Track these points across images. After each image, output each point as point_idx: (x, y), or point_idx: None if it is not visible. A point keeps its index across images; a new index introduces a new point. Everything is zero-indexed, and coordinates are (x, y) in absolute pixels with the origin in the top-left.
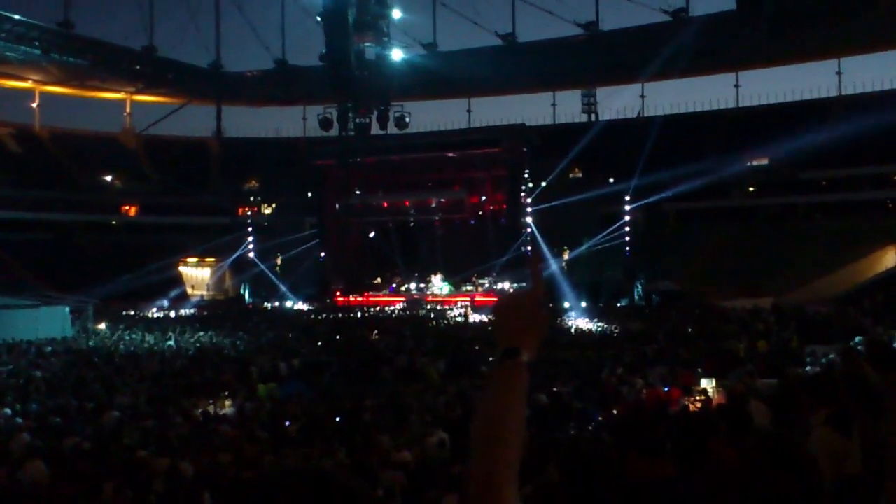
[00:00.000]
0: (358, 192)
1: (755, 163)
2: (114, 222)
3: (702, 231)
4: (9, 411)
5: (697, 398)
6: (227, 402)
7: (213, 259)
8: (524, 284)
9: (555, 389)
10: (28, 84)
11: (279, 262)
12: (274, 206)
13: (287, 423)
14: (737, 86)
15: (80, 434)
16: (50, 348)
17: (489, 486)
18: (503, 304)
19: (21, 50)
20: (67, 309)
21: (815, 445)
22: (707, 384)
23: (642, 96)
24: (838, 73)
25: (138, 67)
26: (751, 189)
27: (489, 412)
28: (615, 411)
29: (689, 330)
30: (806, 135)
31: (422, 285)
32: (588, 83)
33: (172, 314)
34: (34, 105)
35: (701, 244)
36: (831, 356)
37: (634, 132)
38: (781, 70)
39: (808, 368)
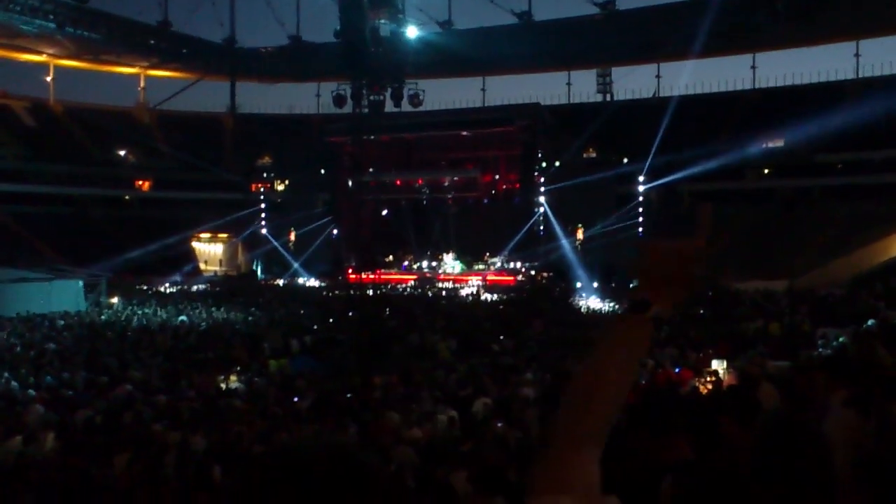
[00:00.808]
0: (371, 170)
1: (770, 145)
2: (127, 197)
3: (716, 213)
4: (16, 385)
5: (708, 379)
6: (233, 378)
7: (225, 235)
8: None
9: (564, 369)
10: (42, 58)
11: (293, 237)
12: (287, 182)
13: (296, 399)
14: (753, 67)
15: (93, 407)
16: (62, 322)
17: (572, 438)
18: (653, 249)
19: (36, 23)
20: (81, 283)
21: (834, 427)
22: (718, 365)
23: (658, 76)
24: (856, 55)
25: (153, 42)
26: (766, 171)
27: (595, 361)
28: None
29: (701, 311)
30: (822, 117)
31: (434, 263)
32: (604, 63)
33: (185, 289)
34: (48, 79)
35: (715, 226)
36: (843, 339)
37: (649, 112)
38: (799, 52)
39: (819, 351)
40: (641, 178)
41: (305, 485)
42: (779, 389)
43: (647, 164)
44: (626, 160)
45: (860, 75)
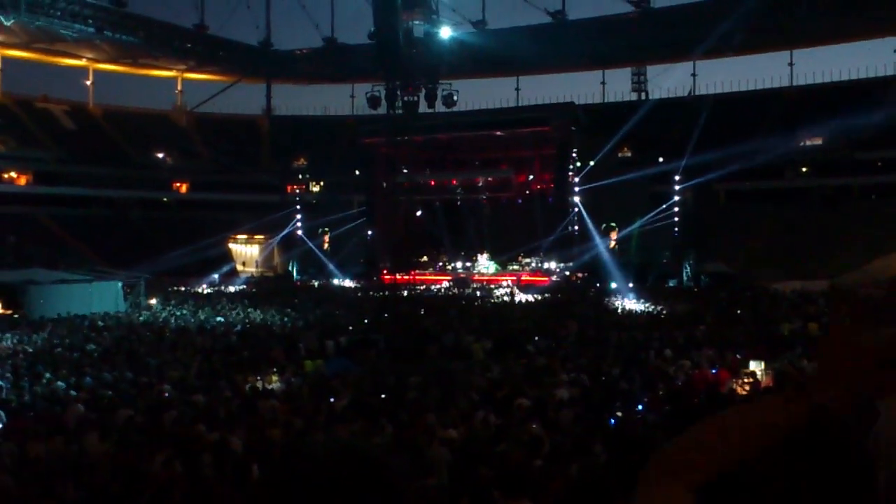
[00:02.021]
0: (405, 171)
1: (809, 143)
2: (165, 199)
3: (753, 212)
4: (61, 384)
5: (746, 381)
6: (275, 378)
7: (262, 236)
8: None
9: (601, 370)
10: (82, 62)
11: (327, 238)
12: (322, 183)
13: (332, 400)
14: (791, 64)
15: (133, 407)
16: (102, 323)
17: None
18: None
19: (75, 28)
20: (120, 284)
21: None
22: (756, 366)
23: (694, 74)
24: None
25: (189, 45)
26: (804, 170)
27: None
28: (661, 393)
29: (739, 312)
30: (862, 114)
31: (468, 264)
32: (639, 61)
33: (222, 289)
34: (88, 82)
35: (752, 225)
36: None
37: (685, 111)
38: (837, 48)
39: None
40: (677, 178)
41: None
42: None
43: (683, 163)
44: (661, 159)
45: None
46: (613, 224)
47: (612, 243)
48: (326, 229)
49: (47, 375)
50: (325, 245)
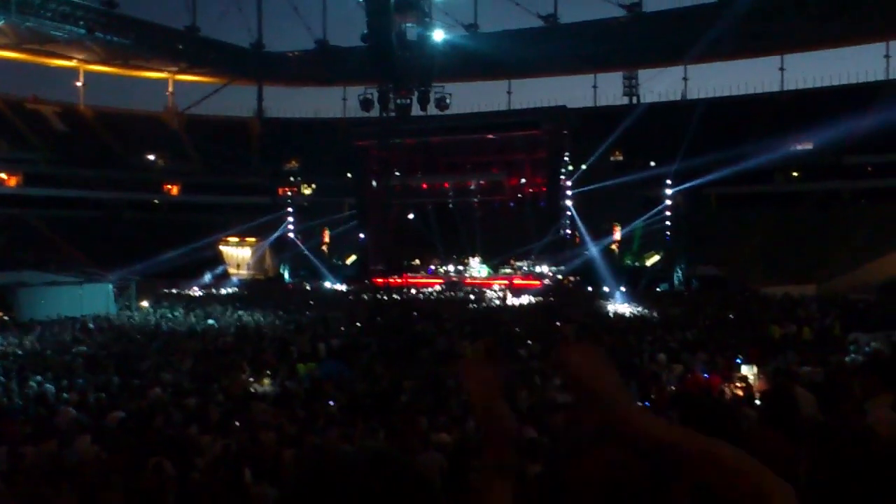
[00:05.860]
0: (397, 174)
1: (799, 147)
2: (156, 201)
3: (744, 216)
4: (50, 387)
5: (738, 384)
6: (266, 381)
7: (253, 239)
8: None
9: None
10: (73, 63)
11: (327, 238)
12: (314, 186)
13: (331, 403)
14: (782, 69)
15: (125, 410)
16: (92, 325)
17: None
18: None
19: (66, 29)
20: (111, 286)
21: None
22: (748, 371)
23: (685, 79)
24: (886, 56)
25: (181, 47)
26: (794, 174)
27: None
28: (653, 397)
29: (731, 316)
30: (851, 119)
31: (460, 267)
32: (630, 65)
33: (214, 292)
34: (79, 84)
35: (743, 229)
36: (874, 344)
37: (677, 115)
38: (827, 53)
39: (851, 356)
40: (668, 182)
41: (352, 488)
42: (815, 395)
43: (675, 167)
44: (652, 163)
45: (890, 76)
46: (616, 223)
47: (615, 241)
48: (325, 227)
49: (37, 378)
50: (324, 244)
